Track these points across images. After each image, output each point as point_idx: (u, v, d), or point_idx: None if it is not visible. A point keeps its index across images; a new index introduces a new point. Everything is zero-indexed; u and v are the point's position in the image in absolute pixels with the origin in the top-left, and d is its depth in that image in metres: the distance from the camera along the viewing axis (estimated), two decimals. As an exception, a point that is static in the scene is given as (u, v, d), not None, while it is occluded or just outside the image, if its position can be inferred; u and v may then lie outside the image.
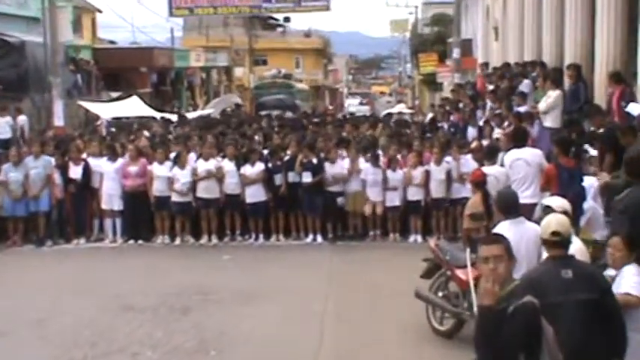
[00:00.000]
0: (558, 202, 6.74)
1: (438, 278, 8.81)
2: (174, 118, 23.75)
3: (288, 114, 30.49)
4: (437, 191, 13.80)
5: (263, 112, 30.84)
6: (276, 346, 8.54)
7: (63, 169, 14.27)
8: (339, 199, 13.98)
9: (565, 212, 6.24)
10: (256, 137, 16.50)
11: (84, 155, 14.60)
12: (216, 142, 15.12)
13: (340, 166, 14.09)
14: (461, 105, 19.01)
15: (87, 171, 14.27)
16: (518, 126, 12.13)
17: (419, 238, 13.61)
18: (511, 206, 7.26)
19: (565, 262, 5.03)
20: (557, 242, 5.10)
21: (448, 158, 13.89)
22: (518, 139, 10.48)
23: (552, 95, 12.85)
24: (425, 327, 8.71)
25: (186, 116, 24.83)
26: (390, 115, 28.25)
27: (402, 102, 62.12)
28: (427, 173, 13.79)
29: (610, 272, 5.78)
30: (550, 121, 12.81)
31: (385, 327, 8.96)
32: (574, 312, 4.80)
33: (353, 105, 65.87)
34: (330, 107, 51.25)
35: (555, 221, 5.22)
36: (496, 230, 6.64)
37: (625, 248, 5.70)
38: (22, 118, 20.35)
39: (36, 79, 22.69)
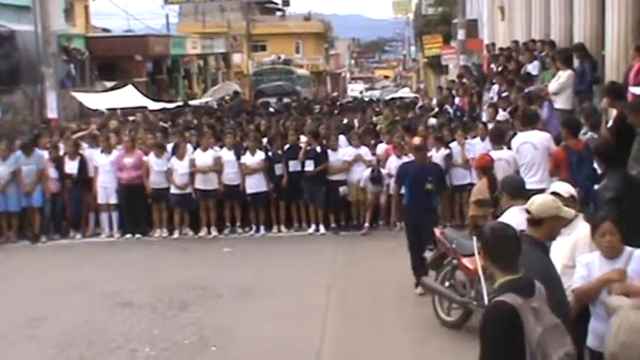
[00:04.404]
0: (565, 188, 6.46)
1: (444, 268, 8.64)
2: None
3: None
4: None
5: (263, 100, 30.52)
6: (278, 341, 8.36)
7: (58, 163, 14.04)
8: (341, 189, 13.69)
9: (572, 197, 6.00)
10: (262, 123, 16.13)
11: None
12: (214, 131, 14.86)
13: (342, 154, 13.83)
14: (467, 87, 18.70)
15: (83, 166, 14.04)
16: (526, 108, 11.76)
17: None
18: (519, 191, 6.96)
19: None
20: (527, 219, 5.06)
21: (453, 143, 13.58)
22: (527, 122, 10.14)
23: (563, 75, 12.50)
24: (431, 318, 8.55)
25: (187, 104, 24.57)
26: (393, 99, 27.98)
27: (406, 86, 61.77)
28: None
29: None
30: (560, 103, 12.47)
31: (390, 320, 8.80)
32: None
33: (356, 90, 65.47)
34: (335, 94, 50.88)
35: (532, 199, 5.14)
36: (504, 217, 6.32)
37: (618, 231, 5.44)
38: None
39: (28, 70, 22.23)
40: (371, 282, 10.31)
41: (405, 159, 13.44)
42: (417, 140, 10.74)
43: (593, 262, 5.45)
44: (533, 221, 5.00)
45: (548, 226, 5.01)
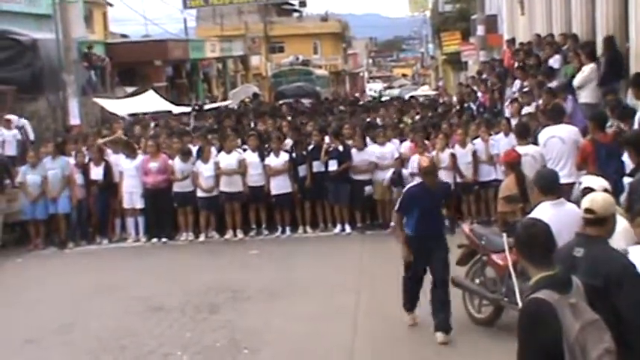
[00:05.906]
0: (598, 182, 6.40)
1: (474, 264, 8.56)
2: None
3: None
4: (464, 174, 13.50)
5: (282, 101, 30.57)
6: (310, 342, 8.33)
7: (83, 169, 14.15)
8: (367, 188, 13.64)
9: (606, 191, 5.89)
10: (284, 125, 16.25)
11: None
12: (236, 133, 14.93)
13: (368, 153, 13.78)
14: (488, 83, 18.58)
15: (108, 172, 14.13)
16: (553, 102, 11.67)
17: (452, 224, 13.27)
18: (553, 186, 6.87)
19: (584, 241, 4.72)
20: (588, 220, 4.78)
21: (477, 140, 13.51)
22: (554, 116, 10.07)
23: (586, 69, 12.38)
24: (462, 316, 8.45)
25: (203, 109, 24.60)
26: (413, 97, 27.94)
27: (425, 84, 61.61)
28: (454, 156, 13.44)
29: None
30: (585, 97, 12.36)
31: (420, 318, 8.65)
32: None
33: (375, 89, 65.49)
34: (357, 94, 50.85)
35: (591, 198, 4.91)
36: (536, 213, 6.25)
37: None
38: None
39: (50, 77, 22.27)
40: (399, 281, 10.19)
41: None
42: (425, 162, 8.92)
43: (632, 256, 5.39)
44: (598, 220, 4.78)
45: (610, 223, 4.86)
